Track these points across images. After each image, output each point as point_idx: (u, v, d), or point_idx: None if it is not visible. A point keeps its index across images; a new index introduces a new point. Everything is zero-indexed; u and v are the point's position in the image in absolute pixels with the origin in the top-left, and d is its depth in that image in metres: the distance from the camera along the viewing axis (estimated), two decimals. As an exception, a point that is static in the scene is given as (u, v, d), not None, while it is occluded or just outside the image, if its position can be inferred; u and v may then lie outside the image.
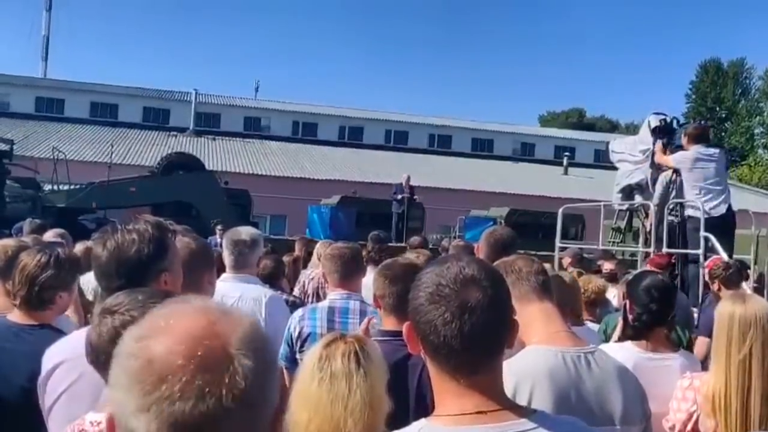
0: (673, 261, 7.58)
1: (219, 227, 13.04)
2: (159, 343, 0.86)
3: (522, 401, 1.78)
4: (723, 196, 7.38)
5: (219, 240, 11.49)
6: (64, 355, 2.05)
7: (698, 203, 7.16)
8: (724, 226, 7.25)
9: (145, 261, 2.06)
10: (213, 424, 0.83)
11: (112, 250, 2.06)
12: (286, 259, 5.96)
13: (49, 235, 5.41)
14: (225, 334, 0.88)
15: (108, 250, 2.06)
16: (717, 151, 7.63)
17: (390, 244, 9.75)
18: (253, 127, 42.08)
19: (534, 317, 2.05)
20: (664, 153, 8.18)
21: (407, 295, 1.41)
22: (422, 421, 1.36)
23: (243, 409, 0.85)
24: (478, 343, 1.30)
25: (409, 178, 18.22)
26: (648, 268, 5.59)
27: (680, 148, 7.84)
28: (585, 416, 1.82)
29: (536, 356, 1.93)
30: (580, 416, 1.76)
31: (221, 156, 34.46)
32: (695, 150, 7.48)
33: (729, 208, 7.42)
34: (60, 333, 2.57)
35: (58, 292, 2.61)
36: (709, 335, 3.19)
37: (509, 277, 2.07)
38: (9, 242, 3.31)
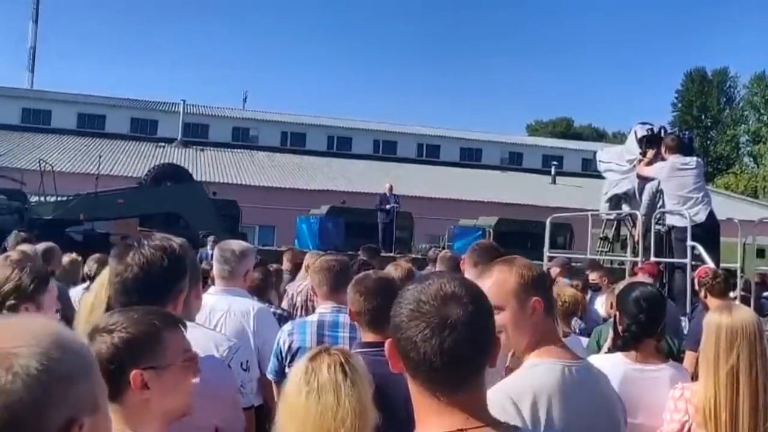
0: (661, 269, 7.64)
1: (211, 238, 12.92)
2: None
3: (541, 415, 1.78)
4: (702, 204, 7.47)
5: (210, 252, 11.41)
6: None
7: (684, 212, 7.23)
8: (707, 233, 7.32)
9: (171, 279, 2.04)
10: None
11: (140, 264, 2.00)
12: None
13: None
14: (5, 339, 0.94)
15: (136, 265, 2.01)
16: (693, 159, 7.79)
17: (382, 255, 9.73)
18: (242, 138, 42.00)
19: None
20: (652, 163, 8.27)
21: (383, 309, 1.41)
22: None
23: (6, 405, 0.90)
24: (458, 360, 1.28)
25: (391, 187, 18.26)
26: (639, 276, 5.60)
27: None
28: (578, 429, 1.83)
29: (546, 370, 1.91)
30: (573, 429, 1.76)
31: (209, 167, 34.35)
32: (672, 160, 7.64)
33: (711, 215, 7.50)
34: None
35: (24, 304, 2.53)
36: (697, 348, 3.20)
37: None
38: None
